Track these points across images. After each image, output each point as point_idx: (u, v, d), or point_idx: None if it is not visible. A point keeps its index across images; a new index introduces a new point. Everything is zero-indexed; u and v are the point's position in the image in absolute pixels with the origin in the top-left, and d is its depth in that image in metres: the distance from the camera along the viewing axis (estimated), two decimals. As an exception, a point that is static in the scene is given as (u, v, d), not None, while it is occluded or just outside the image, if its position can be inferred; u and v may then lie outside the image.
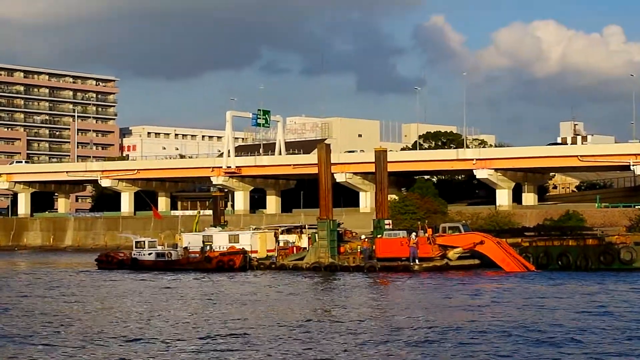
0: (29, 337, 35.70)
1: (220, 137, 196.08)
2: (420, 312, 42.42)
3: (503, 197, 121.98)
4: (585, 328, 36.11)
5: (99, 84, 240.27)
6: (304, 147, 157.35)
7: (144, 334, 36.26)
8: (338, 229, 79.22)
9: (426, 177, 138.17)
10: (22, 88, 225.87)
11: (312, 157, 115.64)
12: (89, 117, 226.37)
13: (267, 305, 46.86)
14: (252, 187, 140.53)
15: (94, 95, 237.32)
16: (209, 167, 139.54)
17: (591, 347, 31.74)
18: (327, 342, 33.25)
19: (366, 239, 75.02)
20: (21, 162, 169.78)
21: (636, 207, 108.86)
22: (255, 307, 45.76)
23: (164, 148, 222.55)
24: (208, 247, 79.32)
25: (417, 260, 69.43)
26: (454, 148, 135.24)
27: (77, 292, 56.85)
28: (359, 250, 73.69)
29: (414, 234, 71.51)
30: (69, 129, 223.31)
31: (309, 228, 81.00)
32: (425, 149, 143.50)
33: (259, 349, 32.05)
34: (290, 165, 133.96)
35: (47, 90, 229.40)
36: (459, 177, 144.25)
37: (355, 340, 33.55)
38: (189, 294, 54.76)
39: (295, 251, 77.87)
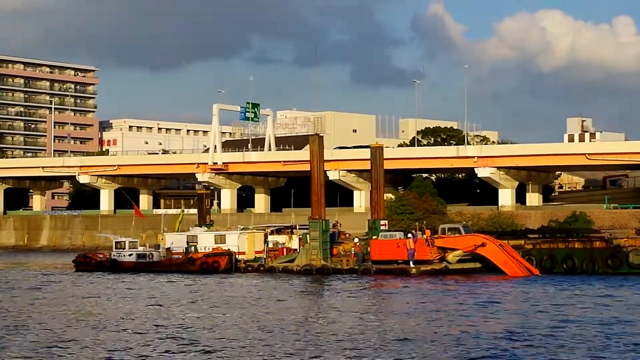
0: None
1: (206, 132, 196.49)
2: (414, 320, 42.50)
3: (506, 197, 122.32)
4: (590, 338, 36.29)
5: (77, 74, 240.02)
6: (295, 142, 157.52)
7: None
8: (333, 230, 79.36)
9: (424, 175, 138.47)
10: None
11: (304, 154, 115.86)
12: (67, 110, 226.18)
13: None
14: (240, 185, 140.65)
15: (72, 86, 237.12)
16: (194, 163, 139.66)
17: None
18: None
19: (358, 242, 75.05)
20: None
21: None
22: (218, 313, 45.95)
23: (146, 143, 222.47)
24: (192, 248, 79.41)
25: (411, 263, 69.55)
26: (454, 145, 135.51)
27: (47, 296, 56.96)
28: (352, 252, 73.73)
29: (410, 234, 71.67)
30: (45, 121, 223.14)
31: (300, 228, 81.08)
32: (424, 145, 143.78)
33: None
34: (280, 161, 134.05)
35: (22, 81, 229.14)
36: (459, 176, 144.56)
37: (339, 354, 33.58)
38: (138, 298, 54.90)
39: (285, 253, 77.91)
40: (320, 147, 77.47)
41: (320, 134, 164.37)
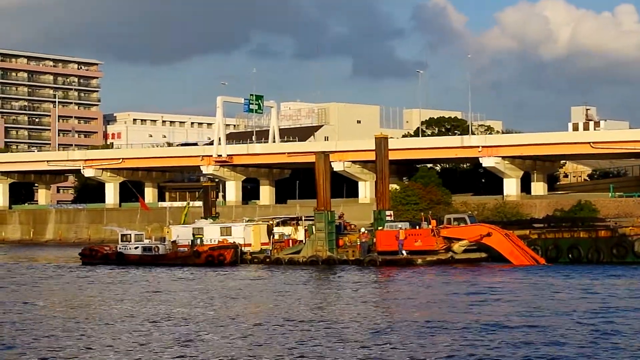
0: None
1: (211, 124, 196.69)
2: (419, 309, 42.63)
3: (511, 187, 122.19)
4: (591, 328, 36.39)
5: (81, 67, 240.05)
6: (300, 134, 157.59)
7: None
8: (339, 221, 79.46)
9: (429, 165, 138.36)
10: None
11: (308, 145, 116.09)
12: (71, 103, 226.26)
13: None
14: (245, 177, 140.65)
15: (76, 79, 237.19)
16: (199, 156, 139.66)
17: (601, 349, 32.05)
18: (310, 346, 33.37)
19: (365, 232, 75.25)
20: None
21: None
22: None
23: (151, 136, 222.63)
24: (198, 241, 79.55)
25: (404, 253, 69.95)
26: (459, 135, 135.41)
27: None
28: (358, 243, 73.88)
29: (400, 225, 72.22)
30: (49, 115, 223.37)
31: (305, 220, 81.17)
32: (428, 135, 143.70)
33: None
34: (284, 153, 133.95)
35: (25, 75, 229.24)
36: (464, 166, 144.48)
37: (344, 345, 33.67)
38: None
39: (291, 244, 78.03)
40: (327, 163, 77.49)
41: (325, 127, 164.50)
